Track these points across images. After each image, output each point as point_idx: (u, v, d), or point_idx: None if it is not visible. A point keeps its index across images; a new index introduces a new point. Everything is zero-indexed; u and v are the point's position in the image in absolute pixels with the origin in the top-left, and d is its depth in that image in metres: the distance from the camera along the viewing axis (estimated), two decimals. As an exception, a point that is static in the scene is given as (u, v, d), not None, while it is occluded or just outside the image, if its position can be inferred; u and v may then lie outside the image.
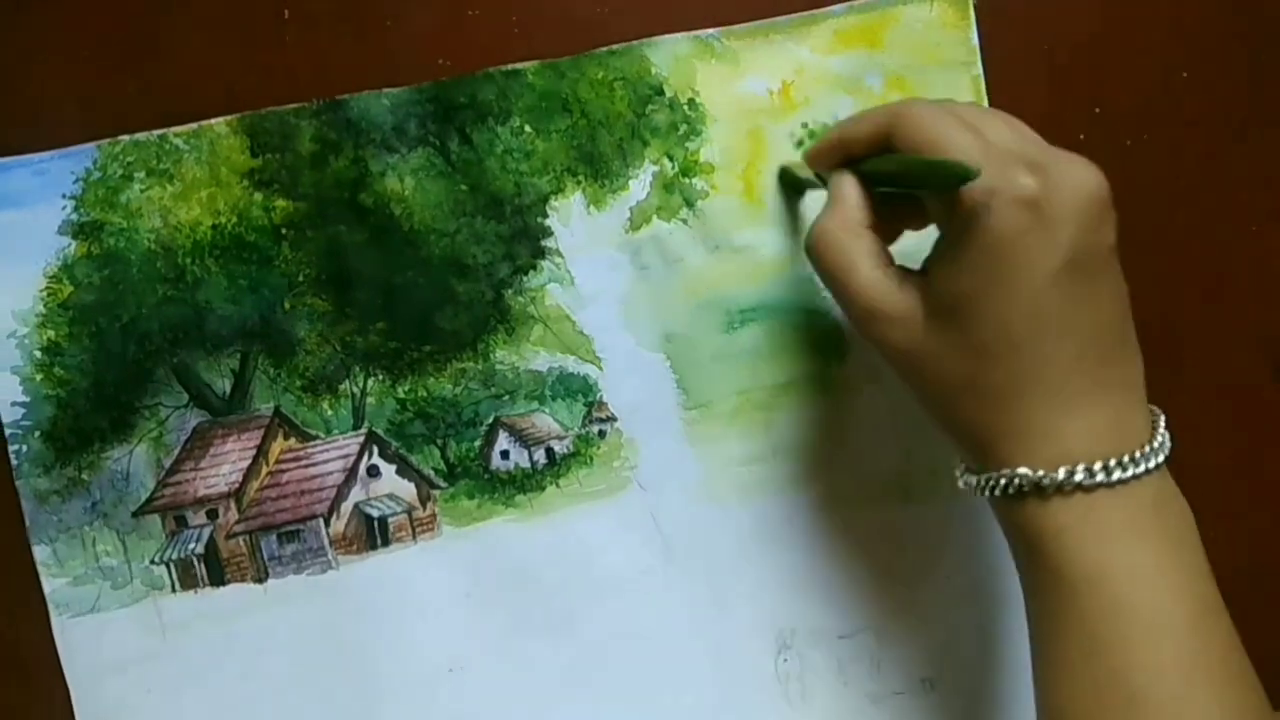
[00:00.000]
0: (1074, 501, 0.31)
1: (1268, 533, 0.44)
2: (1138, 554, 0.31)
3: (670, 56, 0.40)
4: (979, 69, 0.41)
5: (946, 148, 0.31)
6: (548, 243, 0.41)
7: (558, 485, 0.42)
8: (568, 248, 0.41)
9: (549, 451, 0.42)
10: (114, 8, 0.40)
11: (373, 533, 0.42)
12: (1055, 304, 0.30)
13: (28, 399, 0.40)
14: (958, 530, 0.42)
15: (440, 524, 0.42)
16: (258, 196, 0.40)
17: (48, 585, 0.41)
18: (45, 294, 0.40)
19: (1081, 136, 0.41)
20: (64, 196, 0.40)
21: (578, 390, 0.42)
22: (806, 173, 0.39)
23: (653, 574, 0.42)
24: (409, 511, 0.42)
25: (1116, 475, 0.30)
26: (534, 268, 0.41)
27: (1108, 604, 0.30)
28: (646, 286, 0.41)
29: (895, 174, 0.34)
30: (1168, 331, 0.42)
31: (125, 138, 0.40)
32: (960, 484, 0.34)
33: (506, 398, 0.42)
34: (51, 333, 0.40)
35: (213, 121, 0.40)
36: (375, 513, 0.42)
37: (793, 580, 0.42)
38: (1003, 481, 0.32)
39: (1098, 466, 0.30)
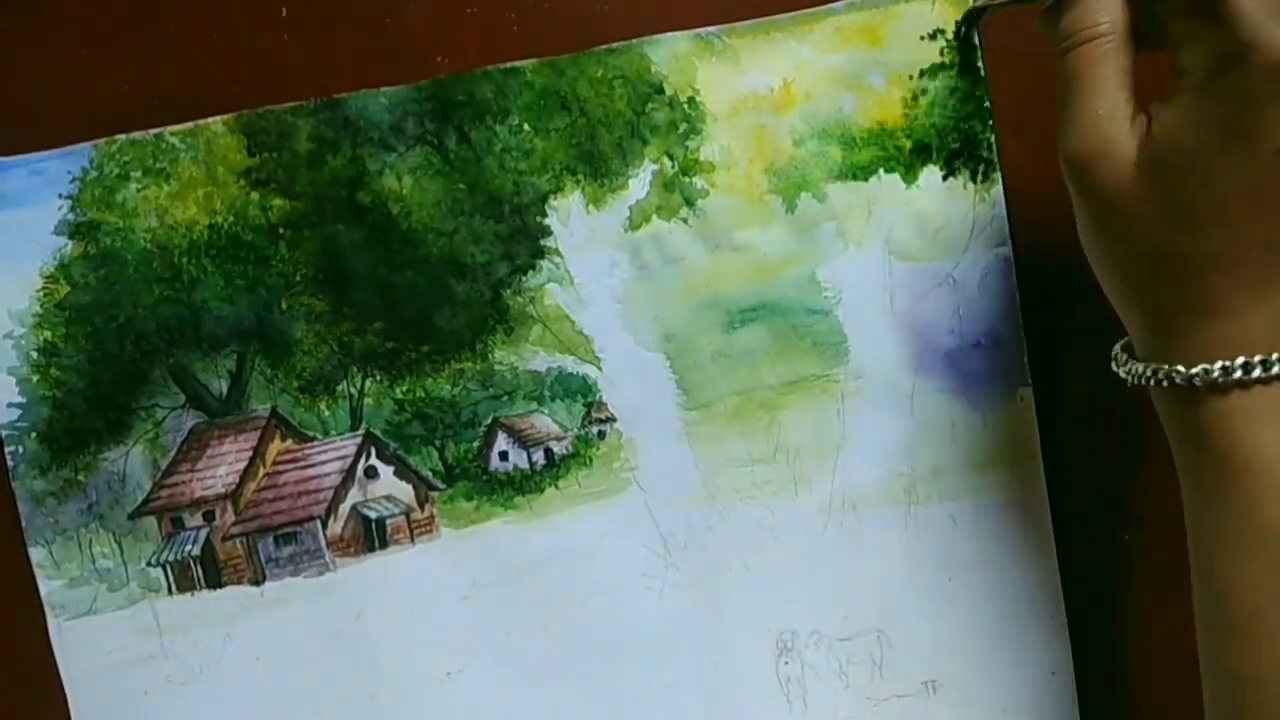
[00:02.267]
0: (1251, 393, 0.30)
1: None
2: None
3: (670, 55, 0.40)
4: (980, 65, 0.41)
5: None
6: (546, 242, 0.41)
7: (557, 486, 0.42)
8: (567, 247, 0.41)
9: (548, 452, 0.41)
10: (111, 6, 0.40)
11: (370, 534, 0.41)
12: (1275, 180, 0.28)
13: (24, 400, 0.40)
14: (960, 532, 0.42)
15: (438, 526, 0.41)
16: (255, 195, 0.40)
17: (44, 587, 0.41)
18: (41, 294, 0.40)
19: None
20: (60, 196, 0.40)
21: (577, 391, 0.41)
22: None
23: (652, 576, 0.42)
24: (407, 513, 0.41)
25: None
26: (533, 267, 0.41)
27: (1276, 484, 0.29)
28: (646, 286, 0.41)
29: None
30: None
31: (121, 137, 0.39)
32: (1119, 370, 0.33)
33: (505, 398, 0.41)
34: (48, 333, 0.40)
35: (209, 120, 0.40)
36: (373, 514, 0.41)
37: (794, 582, 0.42)
38: (1175, 374, 0.30)
39: (1275, 357, 0.29)
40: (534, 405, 0.41)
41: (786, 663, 0.42)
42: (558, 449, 0.42)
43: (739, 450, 0.42)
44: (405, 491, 0.41)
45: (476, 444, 0.41)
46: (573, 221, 0.41)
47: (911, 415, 0.41)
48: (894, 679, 0.42)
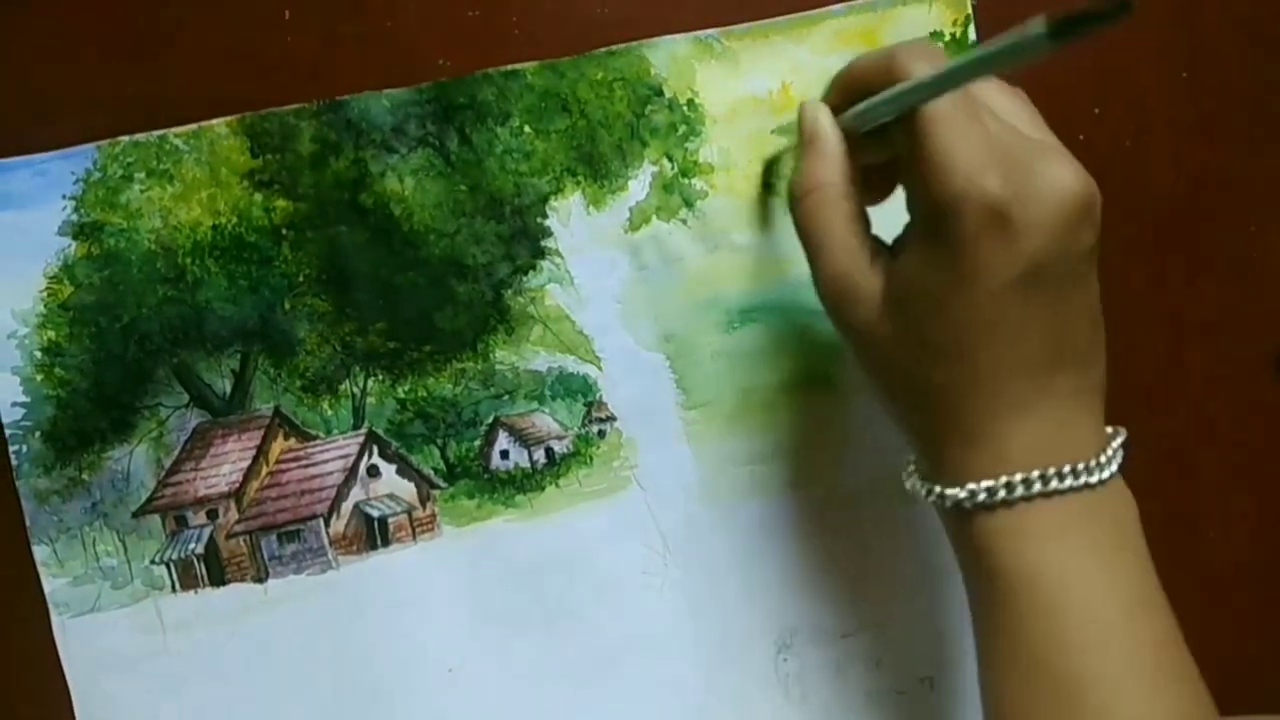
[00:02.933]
0: (1012, 510, 0.31)
1: (1268, 532, 0.44)
2: (1070, 556, 0.30)
3: (669, 57, 0.40)
4: (978, 69, 0.41)
5: (937, 118, 0.29)
6: (547, 243, 0.41)
7: (557, 485, 0.42)
8: (567, 248, 0.41)
9: (549, 451, 0.42)
10: (114, 7, 0.40)
11: (373, 533, 0.42)
12: (1012, 311, 0.30)
13: (28, 399, 0.40)
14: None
15: (440, 524, 0.42)
16: (258, 197, 0.40)
17: (48, 585, 0.41)
18: (45, 294, 0.40)
19: (1081, 137, 0.41)
20: (64, 197, 0.40)
21: (577, 390, 0.42)
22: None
23: (652, 574, 0.42)
24: (409, 511, 0.42)
25: (1054, 485, 0.30)
26: (533, 268, 0.41)
27: (1041, 604, 0.30)
28: (646, 287, 0.41)
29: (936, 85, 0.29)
30: (1168, 331, 0.42)
31: (125, 138, 0.40)
32: (906, 485, 0.34)
33: (506, 397, 0.42)
34: (52, 333, 0.40)
35: (213, 122, 0.40)
36: (375, 513, 0.42)
37: (792, 580, 0.42)
38: (944, 496, 0.32)
39: (1035, 475, 0.30)
40: (535, 404, 0.42)
41: (786, 660, 0.42)
42: (558, 448, 0.42)
43: (738, 449, 0.42)
44: (407, 490, 0.42)
45: (478, 443, 0.42)
46: (573, 222, 0.41)
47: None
48: (893, 675, 0.42)
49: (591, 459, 0.42)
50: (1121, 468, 0.32)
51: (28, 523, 0.41)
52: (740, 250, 0.41)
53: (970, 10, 0.41)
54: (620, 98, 0.41)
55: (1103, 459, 0.31)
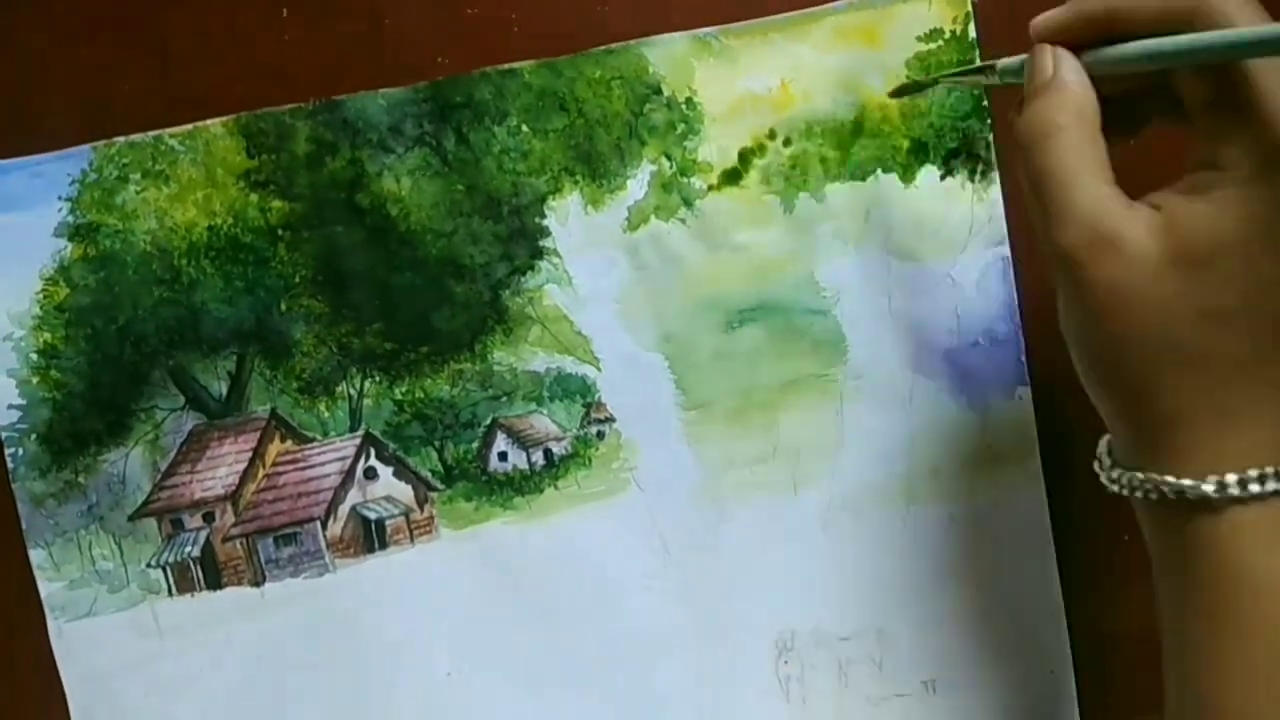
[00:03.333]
0: (1249, 509, 0.27)
1: None
2: None
3: (668, 55, 0.40)
4: (978, 64, 0.41)
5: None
6: (545, 243, 0.41)
7: (556, 487, 0.42)
8: (565, 248, 0.41)
9: (547, 453, 0.42)
10: (110, 8, 0.40)
11: (370, 535, 0.41)
12: None
13: (24, 402, 0.40)
14: (959, 531, 0.42)
15: (438, 526, 0.42)
16: (254, 197, 0.40)
17: (44, 589, 0.41)
18: (41, 296, 0.40)
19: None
20: (59, 199, 0.40)
21: (576, 391, 0.41)
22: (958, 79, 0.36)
23: (652, 576, 0.42)
24: (406, 514, 0.41)
25: None
26: (531, 268, 0.41)
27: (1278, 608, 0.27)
28: (645, 286, 0.41)
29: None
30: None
31: (120, 139, 0.40)
32: (1102, 476, 0.30)
33: (504, 399, 0.41)
34: (48, 335, 0.40)
35: (208, 123, 0.40)
36: (372, 515, 0.41)
37: (793, 582, 0.42)
38: (1183, 489, 0.28)
39: (1271, 471, 0.27)
40: (533, 406, 0.41)
41: (786, 662, 0.42)
42: (557, 449, 0.42)
43: (738, 450, 0.42)
44: (404, 492, 0.41)
45: (475, 444, 0.41)
46: (571, 222, 0.41)
47: (910, 415, 0.42)
48: (894, 678, 0.42)
49: (590, 460, 0.42)
50: None
51: (24, 526, 0.40)
52: (739, 250, 0.41)
53: (970, 7, 0.40)
54: (618, 96, 0.40)
55: None
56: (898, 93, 0.39)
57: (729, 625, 0.42)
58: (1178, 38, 0.27)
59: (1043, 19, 0.30)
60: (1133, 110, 0.31)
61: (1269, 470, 0.27)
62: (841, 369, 0.42)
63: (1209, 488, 0.28)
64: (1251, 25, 0.26)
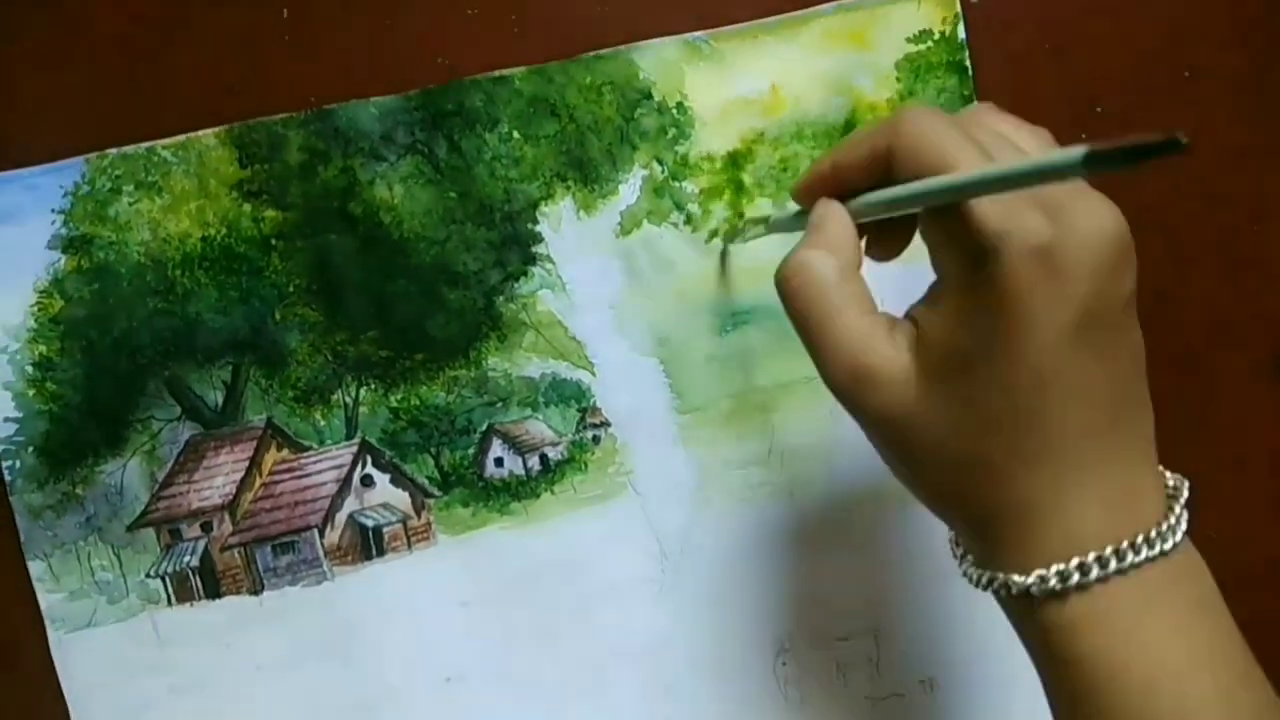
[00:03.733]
0: (1087, 593, 0.28)
1: (1268, 532, 0.43)
2: (1161, 637, 0.28)
3: (658, 60, 0.40)
4: (968, 66, 0.41)
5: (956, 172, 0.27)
6: (538, 249, 0.41)
7: (552, 492, 0.42)
8: (558, 253, 0.41)
9: (543, 458, 0.42)
10: (102, 17, 0.40)
11: (367, 543, 0.41)
12: (1066, 364, 0.27)
13: (20, 414, 0.40)
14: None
15: (435, 533, 0.42)
16: (247, 207, 0.40)
17: (44, 600, 0.41)
18: (36, 309, 0.40)
19: (1083, 136, 0.41)
20: (53, 211, 0.40)
21: (571, 396, 0.41)
22: (756, 228, 0.38)
23: (649, 579, 0.42)
24: (404, 521, 0.41)
25: (1130, 560, 0.27)
26: (525, 274, 0.41)
27: (1134, 693, 0.27)
28: (638, 291, 0.41)
29: (940, 194, 0.27)
30: (1167, 331, 0.42)
31: (113, 151, 0.40)
32: (962, 573, 0.31)
33: (499, 405, 0.41)
34: (43, 347, 0.40)
35: (201, 133, 0.40)
36: (370, 522, 0.41)
37: (790, 583, 0.42)
38: (1009, 584, 0.28)
39: (1108, 552, 0.27)
40: (528, 411, 0.41)
41: (784, 663, 0.42)
42: (553, 454, 0.42)
43: (734, 453, 0.42)
44: (401, 499, 0.41)
45: (472, 451, 0.42)
46: (564, 228, 0.41)
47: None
48: (891, 678, 0.42)
49: (586, 465, 0.42)
50: (1187, 528, 0.29)
51: (22, 538, 0.40)
52: (732, 253, 0.41)
53: (959, 8, 0.41)
54: (609, 102, 0.40)
55: (1172, 520, 0.28)
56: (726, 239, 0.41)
57: (726, 627, 0.42)
58: (902, 187, 0.28)
59: (796, 183, 0.32)
60: (894, 233, 0.32)
61: (1089, 558, 0.27)
62: (835, 370, 0.42)
63: (1031, 582, 0.28)
64: (938, 141, 0.27)
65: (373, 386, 0.41)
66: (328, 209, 0.40)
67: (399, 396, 0.41)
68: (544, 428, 0.42)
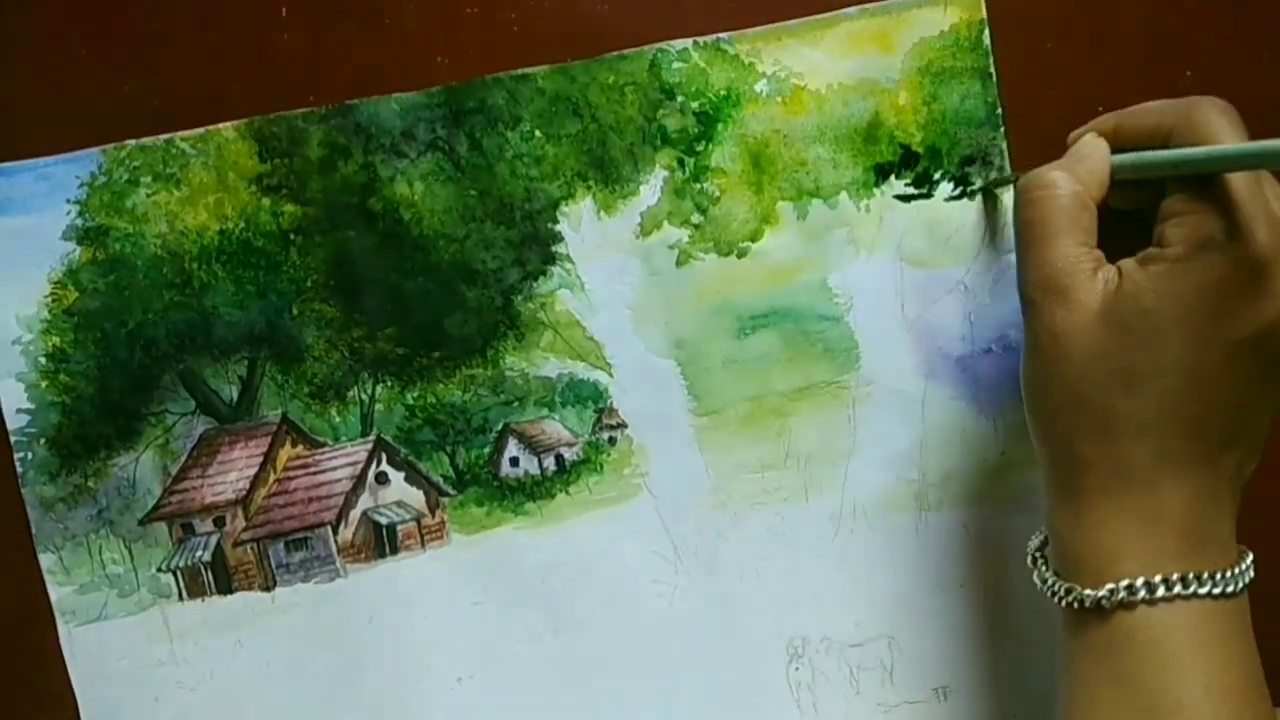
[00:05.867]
0: (1153, 610, 0.30)
1: (1267, 532, 0.43)
2: (1207, 665, 0.30)
3: (681, 61, 0.40)
4: (992, 72, 0.41)
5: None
6: (558, 248, 0.41)
7: (568, 493, 0.42)
8: (578, 253, 0.41)
9: (559, 458, 0.41)
10: (114, 10, 0.39)
11: (381, 540, 0.41)
12: (1229, 367, 0.29)
13: (33, 406, 0.40)
14: (972, 538, 0.42)
15: (449, 532, 0.41)
16: (266, 201, 0.40)
17: (54, 593, 0.40)
18: (50, 299, 0.40)
19: (1087, 136, 0.41)
20: (68, 201, 0.40)
21: (588, 397, 0.41)
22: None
23: (663, 582, 0.42)
24: (418, 519, 0.41)
25: (1195, 589, 0.29)
26: (544, 273, 0.41)
27: (1167, 710, 0.29)
28: (657, 292, 0.41)
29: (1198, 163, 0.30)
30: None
31: (131, 142, 0.39)
32: (1036, 579, 0.33)
33: (516, 404, 0.41)
34: (56, 339, 0.40)
35: (220, 126, 0.39)
36: (384, 520, 0.41)
37: (805, 588, 0.42)
38: (1085, 601, 0.31)
39: (1183, 576, 0.29)
40: (545, 411, 0.41)
41: (797, 669, 0.42)
42: (568, 455, 0.41)
43: (750, 456, 0.42)
44: (416, 497, 0.41)
45: (487, 450, 0.41)
46: (584, 228, 0.41)
47: (923, 421, 0.42)
48: (905, 685, 0.42)
49: (602, 466, 0.41)
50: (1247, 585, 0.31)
51: (33, 531, 0.40)
52: (752, 256, 0.41)
53: (984, 13, 0.40)
54: (631, 101, 0.40)
55: (1243, 566, 0.31)
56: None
57: (740, 632, 0.42)
58: (1177, 151, 0.31)
59: (1076, 131, 0.35)
60: (1138, 193, 0.34)
61: (1156, 579, 0.30)
62: (854, 375, 0.42)
63: (1103, 595, 0.30)
64: (1223, 139, 0.30)
65: (389, 384, 0.41)
66: (347, 205, 0.40)
67: (415, 394, 0.41)
68: (560, 428, 0.41)
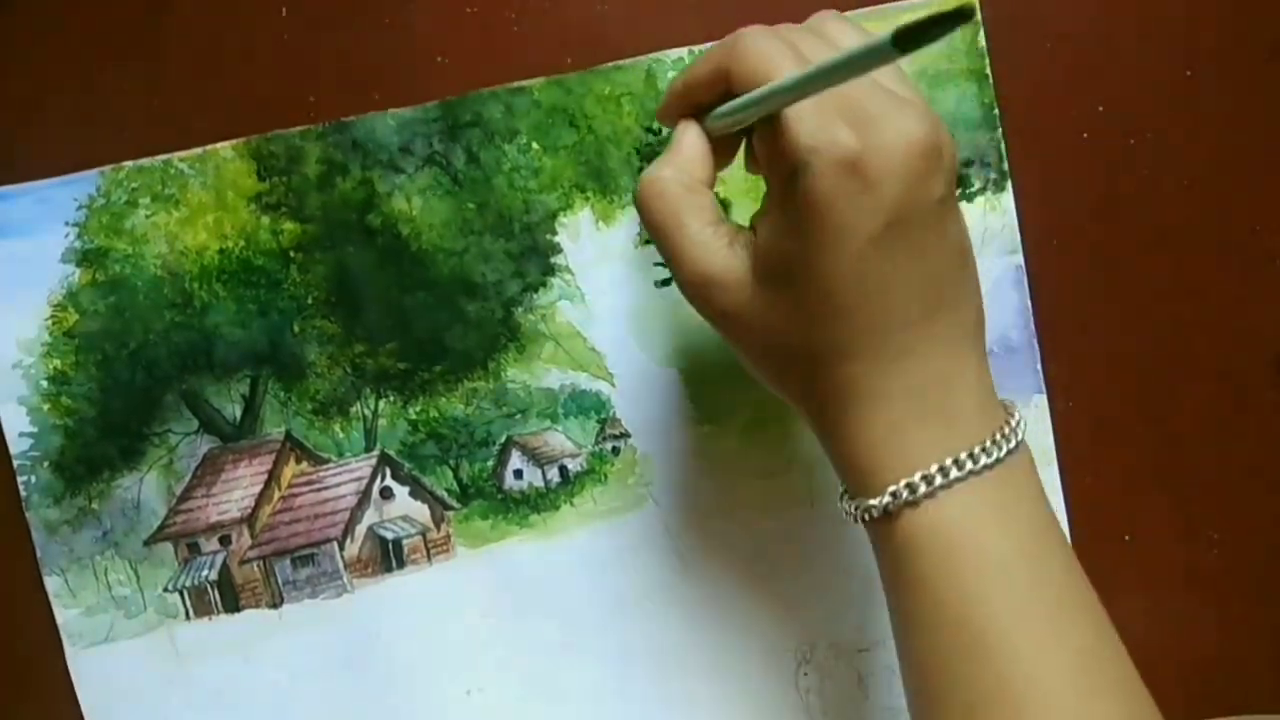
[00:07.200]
0: (917, 511, 0.31)
1: (1267, 533, 0.43)
2: (989, 539, 0.30)
3: (676, 69, 0.40)
4: (988, 74, 0.41)
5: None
6: (557, 259, 0.41)
7: (572, 504, 0.42)
8: (577, 264, 0.41)
9: (562, 470, 0.41)
10: (111, 29, 0.39)
11: (387, 555, 0.41)
12: (877, 265, 0.29)
13: (35, 429, 0.40)
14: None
15: (455, 545, 0.41)
16: (265, 220, 0.40)
17: (60, 616, 0.40)
18: (50, 322, 0.40)
19: (1085, 135, 0.41)
20: (67, 224, 0.40)
21: (590, 407, 0.41)
22: None
23: (670, 590, 0.42)
24: (423, 533, 0.41)
25: (954, 475, 0.30)
26: (543, 285, 0.41)
27: (954, 563, 0.30)
28: (657, 301, 0.41)
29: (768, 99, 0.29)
30: (1169, 330, 0.42)
31: (129, 164, 0.39)
32: (841, 513, 0.34)
33: (518, 416, 0.41)
34: (57, 362, 0.40)
35: (218, 146, 0.39)
36: (389, 535, 0.41)
37: (811, 594, 0.42)
38: (870, 511, 0.31)
39: (942, 466, 0.30)
40: (547, 423, 0.41)
41: (806, 674, 0.42)
42: (572, 466, 0.41)
43: (753, 463, 0.42)
44: (421, 512, 0.41)
45: (491, 463, 0.41)
46: (582, 238, 0.41)
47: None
48: (914, 689, 0.42)
49: (606, 476, 0.42)
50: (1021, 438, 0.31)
51: (39, 554, 0.40)
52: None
53: (979, 16, 0.40)
54: (628, 112, 0.40)
55: (1001, 434, 0.31)
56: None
57: (747, 639, 0.42)
58: (733, 101, 0.31)
59: (658, 107, 0.35)
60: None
61: (915, 477, 0.30)
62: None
63: (886, 502, 0.31)
64: (767, 63, 0.30)
65: (391, 399, 0.41)
66: (346, 221, 0.40)
67: (418, 408, 0.41)
68: (563, 439, 0.41)
